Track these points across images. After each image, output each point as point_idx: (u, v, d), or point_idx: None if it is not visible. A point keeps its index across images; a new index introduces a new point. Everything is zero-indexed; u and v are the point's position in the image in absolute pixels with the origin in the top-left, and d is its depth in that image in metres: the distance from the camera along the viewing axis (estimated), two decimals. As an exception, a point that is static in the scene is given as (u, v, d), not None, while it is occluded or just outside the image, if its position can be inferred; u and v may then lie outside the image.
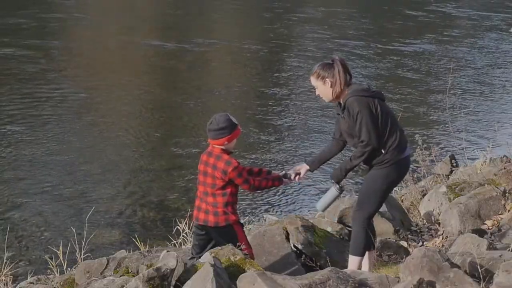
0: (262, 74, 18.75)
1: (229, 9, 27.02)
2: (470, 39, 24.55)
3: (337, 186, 5.65)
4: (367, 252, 5.75)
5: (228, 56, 20.47)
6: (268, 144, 13.48)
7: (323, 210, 5.93)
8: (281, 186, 6.09)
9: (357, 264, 5.62)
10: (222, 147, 5.48)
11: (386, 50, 21.83)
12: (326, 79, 5.55)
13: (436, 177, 9.12)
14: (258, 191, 5.81)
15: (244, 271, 4.92)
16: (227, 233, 5.47)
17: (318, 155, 5.99)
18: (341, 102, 5.57)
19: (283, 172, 5.87)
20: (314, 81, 5.63)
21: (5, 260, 6.86)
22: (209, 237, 5.58)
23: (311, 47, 21.87)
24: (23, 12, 23.01)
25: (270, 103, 16.23)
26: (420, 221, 7.66)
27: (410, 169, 8.69)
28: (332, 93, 5.56)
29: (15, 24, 21.66)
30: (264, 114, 15.37)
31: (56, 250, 6.75)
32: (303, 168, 5.88)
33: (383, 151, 5.48)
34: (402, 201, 8.17)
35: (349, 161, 5.58)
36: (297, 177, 5.88)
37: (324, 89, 5.60)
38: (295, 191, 11.31)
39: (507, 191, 7.33)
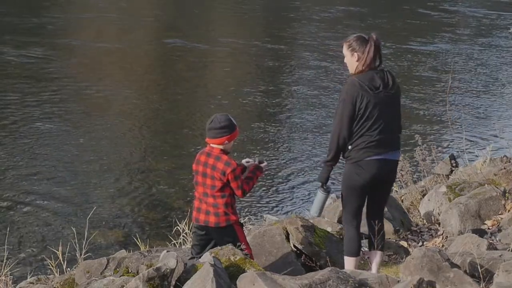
0: (277, 73, 18.67)
1: (248, 8, 26.95)
2: (482, 38, 24.47)
3: (322, 188, 5.58)
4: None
5: (242, 55, 20.37)
6: (281, 141, 13.50)
7: (319, 215, 5.90)
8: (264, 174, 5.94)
9: (352, 264, 5.55)
10: (221, 147, 5.47)
11: (400, 49, 21.78)
12: (355, 52, 5.48)
13: (436, 177, 9.12)
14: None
15: (244, 271, 4.92)
16: (227, 233, 5.47)
17: None
18: None
19: (255, 158, 5.79)
20: (345, 49, 5.56)
21: (5, 260, 6.85)
22: (209, 237, 5.57)
23: (327, 46, 21.79)
24: (53, 12, 22.99)
25: (284, 101, 16.21)
26: (420, 221, 7.66)
27: (411, 169, 8.75)
28: (356, 67, 5.49)
29: (46, 24, 21.62)
30: (279, 112, 15.35)
31: (56, 250, 6.74)
32: None
33: (349, 147, 5.41)
34: (402, 201, 8.17)
35: (326, 157, 5.55)
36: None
37: (350, 61, 5.54)
38: (295, 191, 11.31)
39: (507, 191, 7.33)
